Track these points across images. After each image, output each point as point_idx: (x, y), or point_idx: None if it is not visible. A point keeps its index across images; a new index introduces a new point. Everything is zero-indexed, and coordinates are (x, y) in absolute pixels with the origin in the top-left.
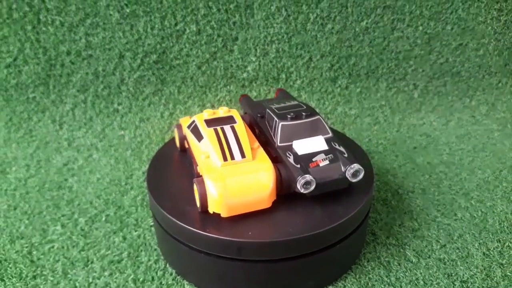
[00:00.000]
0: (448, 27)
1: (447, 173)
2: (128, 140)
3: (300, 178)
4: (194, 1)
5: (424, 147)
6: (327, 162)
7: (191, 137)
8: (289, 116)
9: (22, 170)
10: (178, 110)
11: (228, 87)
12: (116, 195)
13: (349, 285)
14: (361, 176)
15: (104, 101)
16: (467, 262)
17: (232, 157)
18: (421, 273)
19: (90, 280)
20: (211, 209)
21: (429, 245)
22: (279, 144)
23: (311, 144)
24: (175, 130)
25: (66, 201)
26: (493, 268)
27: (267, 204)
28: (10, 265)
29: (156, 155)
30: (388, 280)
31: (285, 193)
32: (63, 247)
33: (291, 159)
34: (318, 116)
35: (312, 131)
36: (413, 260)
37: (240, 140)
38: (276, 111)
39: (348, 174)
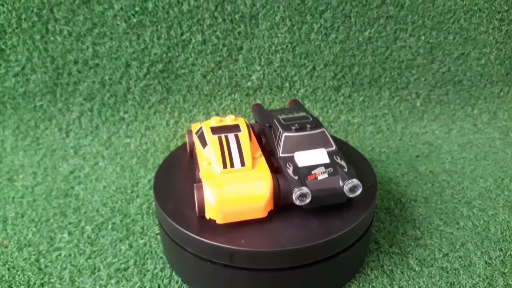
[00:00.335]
0: (450, 37)
1: (450, 182)
2: (133, 148)
3: (296, 190)
4: (200, 11)
5: (427, 156)
6: (326, 175)
7: (197, 143)
8: (293, 127)
9: (29, 178)
10: (183, 118)
11: (233, 95)
12: (122, 203)
13: None
14: (359, 191)
15: (110, 109)
16: (469, 271)
17: (232, 165)
18: (424, 282)
19: (97, 287)
20: (207, 215)
21: (432, 254)
22: (281, 154)
23: (313, 157)
24: (186, 135)
25: (73, 209)
26: (495, 277)
27: (263, 214)
28: (18, 273)
29: (167, 158)
30: None
31: (283, 204)
32: (70, 255)
33: (290, 170)
34: (322, 129)
35: (315, 143)
36: (416, 269)
37: (242, 149)
38: (282, 121)
39: (345, 189)
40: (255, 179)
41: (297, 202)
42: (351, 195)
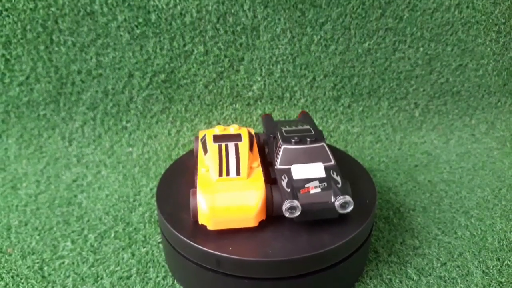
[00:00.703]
0: (448, 48)
1: (448, 191)
2: (136, 157)
3: (286, 202)
4: (202, 23)
5: (425, 165)
6: (318, 190)
7: (200, 149)
8: (293, 140)
9: (33, 186)
10: (185, 127)
11: (234, 105)
12: (124, 212)
13: None
14: (350, 208)
15: (113, 118)
16: (467, 280)
17: (228, 173)
18: None
19: None
20: (200, 221)
21: (430, 263)
22: (278, 166)
23: (309, 170)
24: (194, 141)
25: (76, 217)
26: (492, 286)
27: (253, 223)
28: (22, 281)
29: (175, 162)
30: None
31: (276, 215)
32: (73, 263)
33: (284, 182)
34: (322, 143)
35: (313, 157)
36: (414, 278)
37: (240, 158)
38: (284, 133)
39: (337, 204)
40: (248, 188)
41: (287, 214)
42: (342, 211)
